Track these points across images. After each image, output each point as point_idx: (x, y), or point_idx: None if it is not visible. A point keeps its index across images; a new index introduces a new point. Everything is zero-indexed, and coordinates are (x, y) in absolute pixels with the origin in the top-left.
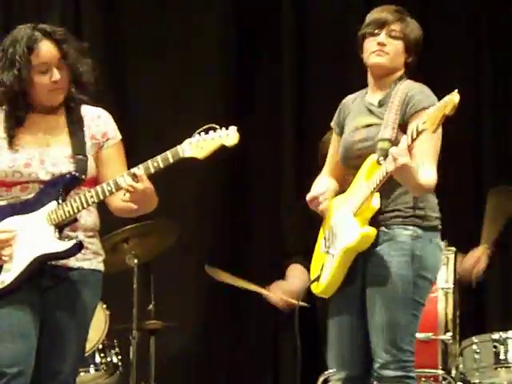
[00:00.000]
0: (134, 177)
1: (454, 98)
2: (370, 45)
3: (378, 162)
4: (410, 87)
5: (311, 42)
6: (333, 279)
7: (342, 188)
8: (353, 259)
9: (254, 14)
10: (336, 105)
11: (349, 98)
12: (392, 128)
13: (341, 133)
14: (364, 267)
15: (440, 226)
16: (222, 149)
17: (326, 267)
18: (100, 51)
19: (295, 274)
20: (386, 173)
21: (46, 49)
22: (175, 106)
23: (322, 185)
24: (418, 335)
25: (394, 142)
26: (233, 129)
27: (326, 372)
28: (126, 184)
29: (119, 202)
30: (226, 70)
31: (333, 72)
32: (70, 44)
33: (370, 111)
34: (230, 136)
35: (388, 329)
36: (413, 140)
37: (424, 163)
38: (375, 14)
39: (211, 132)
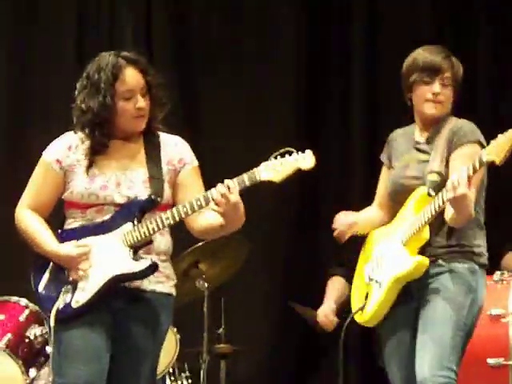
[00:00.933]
0: (228, 189)
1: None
2: (423, 92)
3: (429, 194)
4: (456, 124)
5: (382, 60)
6: (379, 308)
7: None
8: (401, 288)
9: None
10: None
11: (396, 133)
12: (440, 161)
13: (390, 166)
14: (419, 293)
15: (481, 259)
16: (298, 172)
17: (371, 297)
18: (173, 78)
19: (336, 287)
20: (443, 202)
21: (131, 76)
22: (247, 130)
23: (354, 217)
24: (489, 361)
25: (443, 175)
26: (309, 152)
27: None
28: (219, 193)
29: (203, 220)
30: (298, 98)
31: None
32: (151, 73)
33: (418, 149)
34: (306, 159)
35: (438, 348)
36: (475, 171)
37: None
38: (428, 59)
39: (287, 156)
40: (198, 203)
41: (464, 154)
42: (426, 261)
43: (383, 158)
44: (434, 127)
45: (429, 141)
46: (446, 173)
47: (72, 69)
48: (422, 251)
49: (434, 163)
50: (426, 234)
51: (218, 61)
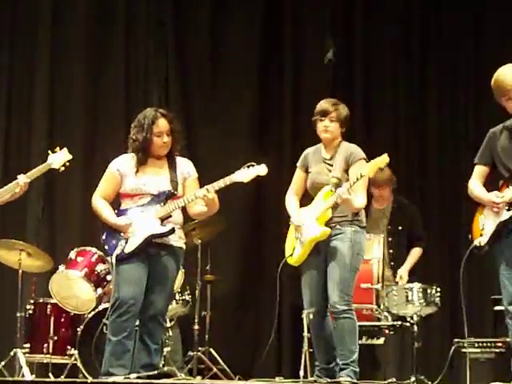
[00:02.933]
0: (207, 191)
1: (385, 158)
2: (319, 126)
3: (331, 190)
4: (348, 147)
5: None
6: (301, 256)
7: (300, 199)
8: (314, 245)
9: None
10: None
11: (309, 150)
12: (339, 171)
13: (305, 171)
14: (326, 248)
15: (361, 224)
16: (257, 177)
17: (296, 249)
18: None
19: None
20: (336, 202)
21: (162, 124)
22: (224, 155)
23: (295, 212)
24: (362, 285)
25: (341, 179)
26: (263, 165)
27: (305, 310)
28: (201, 194)
29: (195, 209)
30: (253, 134)
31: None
32: (174, 122)
33: (326, 163)
34: (262, 169)
35: (341, 282)
36: (354, 183)
37: (358, 194)
38: (321, 106)
39: (251, 167)
40: (192, 198)
41: (357, 166)
42: (328, 230)
43: (299, 164)
44: (334, 149)
45: (331, 158)
46: (343, 177)
47: (123, 121)
48: (328, 222)
49: (335, 172)
50: (329, 213)
51: (202, 113)
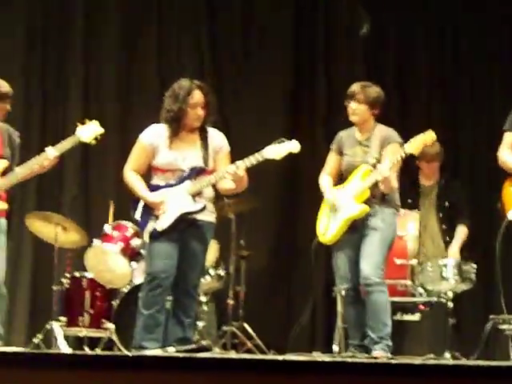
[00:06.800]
0: (236, 167)
1: (432, 134)
2: (348, 109)
3: (370, 170)
4: (383, 130)
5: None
6: (336, 234)
7: (335, 181)
8: (350, 223)
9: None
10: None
11: (342, 133)
12: (376, 152)
13: (339, 153)
14: (362, 226)
15: (397, 207)
16: (289, 154)
17: (330, 227)
18: None
19: None
20: (376, 180)
21: (198, 95)
22: (258, 130)
23: (329, 190)
24: (397, 261)
25: (378, 159)
26: (295, 141)
27: (337, 287)
28: (232, 170)
29: (224, 184)
30: (286, 109)
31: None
32: (209, 94)
33: (361, 144)
34: (294, 146)
35: (375, 256)
36: (397, 162)
37: (393, 175)
38: (349, 89)
39: (282, 143)
40: (222, 175)
41: (391, 149)
42: (367, 208)
43: (333, 147)
44: (369, 132)
45: (367, 140)
46: (380, 157)
47: (156, 94)
48: (366, 202)
49: (373, 153)
50: (368, 192)
51: (240, 90)
